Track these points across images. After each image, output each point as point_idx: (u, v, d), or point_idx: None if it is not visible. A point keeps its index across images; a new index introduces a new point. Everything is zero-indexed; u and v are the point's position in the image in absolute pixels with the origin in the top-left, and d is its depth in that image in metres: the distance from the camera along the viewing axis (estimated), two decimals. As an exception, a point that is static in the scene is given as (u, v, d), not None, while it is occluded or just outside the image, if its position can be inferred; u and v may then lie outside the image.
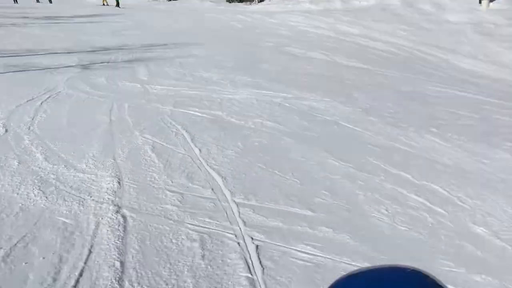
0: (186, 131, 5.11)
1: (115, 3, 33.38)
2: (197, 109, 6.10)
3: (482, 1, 25.67)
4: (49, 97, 6.33)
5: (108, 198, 3.45)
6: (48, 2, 37.83)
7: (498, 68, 15.28)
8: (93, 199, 3.45)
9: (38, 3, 36.74)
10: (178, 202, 3.42)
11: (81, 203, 3.38)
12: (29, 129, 4.96)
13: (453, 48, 18.43)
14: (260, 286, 2.47)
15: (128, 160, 4.24)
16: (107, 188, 3.63)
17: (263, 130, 5.29)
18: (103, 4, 34.23)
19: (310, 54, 13.57)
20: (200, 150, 4.52)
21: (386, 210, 3.35)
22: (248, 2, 39.49)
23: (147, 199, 3.48)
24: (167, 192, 3.58)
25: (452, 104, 7.68)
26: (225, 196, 3.55)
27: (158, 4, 43.57)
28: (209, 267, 2.62)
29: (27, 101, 6.06)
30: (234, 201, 3.45)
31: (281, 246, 2.87)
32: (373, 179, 3.93)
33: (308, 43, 16.41)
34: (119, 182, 3.75)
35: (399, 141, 5.04)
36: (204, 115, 5.83)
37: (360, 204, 3.48)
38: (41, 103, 5.98)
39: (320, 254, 2.78)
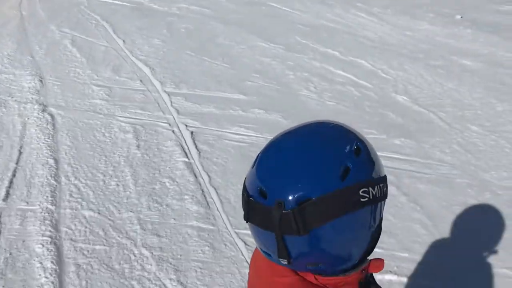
0: (106, 22, 4.79)
1: None
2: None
3: None
4: None
5: (32, 98, 3.28)
6: None
7: None
8: (15, 100, 3.26)
9: None
10: (107, 96, 3.32)
11: (2, 104, 3.20)
12: None
13: None
14: (197, 168, 2.55)
15: (47, 57, 3.97)
16: (29, 88, 3.43)
17: (189, 15, 5.07)
18: None
19: None
20: (123, 41, 4.30)
21: (315, 88, 3.45)
22: None
23: (73, 95, 3.34)
24: (94, 87, 3.45)
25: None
26: (155, 86, 3.47)
27: None
28: (145, 155, 2.65)
29: None
30: (164, 90, 3.40)
31: (215, 130, 2.93)
32: (302, 58, 3.97)
33: None
34: (41, 80, 3.54)
35: (326, 19, 5.03)
36: (125, 3, 5.46)
37: (290, 83, 3.55)
38: None
39: (254, 134, 2.88)
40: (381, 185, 0.55)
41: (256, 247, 0.63)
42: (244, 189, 0.57)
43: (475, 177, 2.40)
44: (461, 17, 5.01)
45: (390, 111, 3.13)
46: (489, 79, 3.51)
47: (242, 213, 0.57)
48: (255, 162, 0.57)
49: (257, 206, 0.54)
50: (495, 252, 1.91)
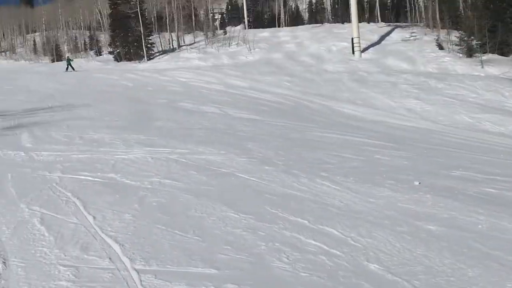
0: (77, 198, 4.84)
1: None
2: (88, 173, 5.84)
3: (355, 52, 28.49)
4: None
5: (-8, 282, 3.11)
6: None
7: (374, 111, 16.86)
8: (-28, 286, 3.08)
9: None
10: (73, 277, 3.19)
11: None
12: None
13: (333, 95, 20.01)
14: None
15: (13, 237, 3.88)
16: (-10, 271, 3.27)
17: (160, 189, 5.21)
18: None
19: (202, 108, 13.84)
20: (94, 217, 4.30)
21: (287, 258, 3.45)
22: (137, 61, 39.38)
23: (37, 277, 3.19)
24: (60, 268, 3.33)
25: (338, 147, 8.26)
26: (124, 264, 3.38)
27: (40, 66, 41.72)
28: None
29: None
30: (134, 268, 3.30)
31: (187, 310, 2.80)
32: (273, 228, 4.03)
33: (199, 97, 16.77)
34: (4, 263, 3.40)
35: (293, 188, 5.27)
36: (97, 179, 5.60)
37: (263, 255, 3.53)
38: None
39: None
40: None
41: None
42: None
43: None
44: (419, 183, 5.35)
45: (364, 280, 3.10)
46: (455, 244, 3.61)
47: None
48: None
49: None
50: None
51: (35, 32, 78.82)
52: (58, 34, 66.81)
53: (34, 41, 68.61)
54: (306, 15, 62.82)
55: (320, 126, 11.84)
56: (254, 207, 4.56)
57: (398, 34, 32.84)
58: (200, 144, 7.82)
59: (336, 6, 50.22)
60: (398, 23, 40.78)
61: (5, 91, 16.93)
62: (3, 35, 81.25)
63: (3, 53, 68.07)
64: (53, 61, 53.31)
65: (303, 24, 55.10)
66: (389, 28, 35.56)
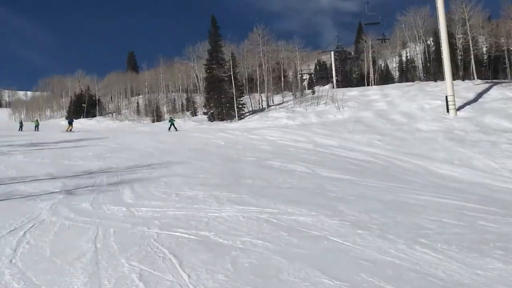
0: (173, 255, 4.99)
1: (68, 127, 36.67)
2: (183, 231, 6.03)
3: (449, 110, 27.36)
4: (32, 226, 6.21)
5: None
6: (34, 130, 40.03)
7: (473, 172, 15.80)
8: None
9: (21, 131, 39.21)
10: (169, 336, 3.23)
11: None
12: (11, 262, 4.78)
13: (428, 155, 19.17)
14: None
15: (114, 291, 4.06)
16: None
17: (252, 250, 5.20)
18: (68, 131, 36.41)
19: (291, 166, 13.89)
20: (188, 275, 4.38)
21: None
22: (229, 120, 41.14)
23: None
24: (157, 325, 3.39)
25: (435, 211, 7.78)
26: (218, 326, 3.37)
27: (141, 126, 45.02)
28: None
29: (9, 231, 5.92)
30: (227, 331, 3.28)
31: None
32: (370, 298, 3.81)
33: (288, 156, 16.90)
34: (105, 317, 3.55)
35: (389, 254, 5.00)
36: (192, 236, 5.75)
37: (360, 326, 3.34)
38: (24, 233, 5.84)
39: None
40: None
41: None
42: None
43: None
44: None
45: None
46: None
47: None
48: None
49: None
50: None
51: (138, 95, 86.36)
52: (159, 97, 72.35)
53: (138, 103, 74.88)
54: (396, 74, 62.10)
55: (415, 188, 11.29)
56: (349, 274, 4.37)
57: (497, 91, 31.17)
58: (289, 204, 7.80)
59: (428, 64, 49.13)
60: (496, 80, 38.85)
61: (110, 149, 18.39)
62: (111, 98, 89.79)
63: (110, 114, 74.69)
64: (153, 121, 57.54)
65: (393, 82, 54.49)
66: (486, 85, 33.95)
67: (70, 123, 39.05)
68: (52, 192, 8.77)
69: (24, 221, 6.48)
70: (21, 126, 44.58)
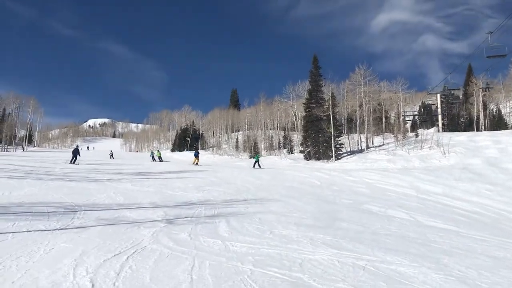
0: (266, 295, 4.91)
1: (194, 160, 35.87)
2: (277, 270, 5.95)
3: None
4: (135, 252, 6.54)
5: None
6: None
7: None
8: None
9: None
10: None
11: None
12: (114, 285, 5.05)
13: (548, 210, 17.19)
14: None
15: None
16: None
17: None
18: (194, 164, 35.98)
19: (390, 212, 13.25)
20: (281, 318, 4.26)
21: None
22: (325, 160, 40.73)
23: None
24: None
25: (559, 275, 6.85)
26: None
27: (239, 161, 46.29)
28: None
29: (114, 255, 6.29)
30: None
31: None
32: None
33: (387, 201, 16.17)
34: None
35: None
36: (285, 277, 5.65)
37: None
38: (127, 258, 6.17)
39: None
40: None
41: None
42: None
43: None
44: None
45: None
46: None
47: None
48: None
49: None
50: None
51: (238, 131, 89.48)
52: (257, 133, 74.23)
53: (237, 139, 77.50)
54: (510, 119, 57.46)
55: (532, 246, 10.10)
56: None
57: None
58: (388, 252, 7.38)
59: (549, 109, 44.80)
60: None
61: (209, 183, 19.06)
62: (213, 133, 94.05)
63: (211, 148, 78.01)
64: (251, 157, 58.92)
65: (506, 128, 50.45)
66: None
67: (196, 156, 38.08)
68: (154, 220, 9.23)
69: (128, 246, 6.86)
70: (153, 157, 45.72)
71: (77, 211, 9.90)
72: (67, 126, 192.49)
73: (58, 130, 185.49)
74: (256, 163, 34.74)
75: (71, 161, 30.07)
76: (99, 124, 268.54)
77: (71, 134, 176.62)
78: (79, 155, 31.82)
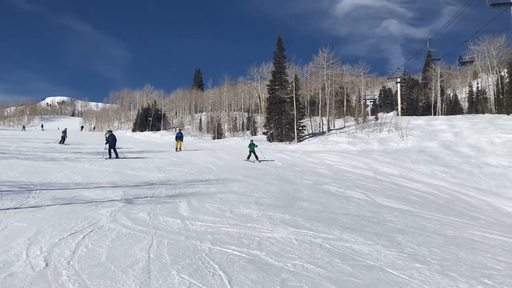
0: (223, 272, 4.97)
1: (177, 144, 28.44)
2: (235, 248, 6.01)
3: (522, 145, 25.72)
4: (91, 231, 6.45)
5: None
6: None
7: (548, 213, 14.67)
8: None
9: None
10: None
11: None
12: (68, 264, 4.97)
13: (496, 191, 18.09)
14: None
15: (163, 302, 4.09)
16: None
17: (303, 274, 5.08)
18: (178, 148, 28.21)
19: (348, 193, 13.57)
20: (237, 293, 4.33)
21: None
22: (288, 142, 41.11)
23: None
24: None
25: (503, 251, 7.27)
26: None
27: (202, 142, 46.00)
28: None
29: (70, 234, 6.18)
30: None
31: None
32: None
33: (346, 182, 16.53)
34: (152, 327, 3.57)
35: (450, 293, 4.69)
36: (243, 255, 5.72)
37: None
38: (83, 237, 6.08)
39: None
40: None
41: None
42: None
43: None
44: None
45: None
46: None
47: None
48: None
49: None
50: None
51: (201, 112, 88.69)
52: (221, 115, 73.85)
53: (200, 119, 76.81)
54: (465, 104, 59.54)
55: (480, 225, 10.63)
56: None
57: None
58: (345, 231, 7.58)
59: (501, 96, 46.68)
60: None
61: (171, 163, 18.89)
62: (176, 113, 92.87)
63: (173, 129, 77.07)
64: (214, 138, 58.68)
65: (461, 113, 52.30)
66: None
67: (180, 138, 28.77)
68: (112, 200, 9.10)
69: (85, 225, 6.75)
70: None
71: (32, 190, 9.63)
72: (24, 103, 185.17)
73: (14, 107, 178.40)
74: (252, 154, 23.88)
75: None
76: (57, 102, 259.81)
77: (28, 112, 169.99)
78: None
